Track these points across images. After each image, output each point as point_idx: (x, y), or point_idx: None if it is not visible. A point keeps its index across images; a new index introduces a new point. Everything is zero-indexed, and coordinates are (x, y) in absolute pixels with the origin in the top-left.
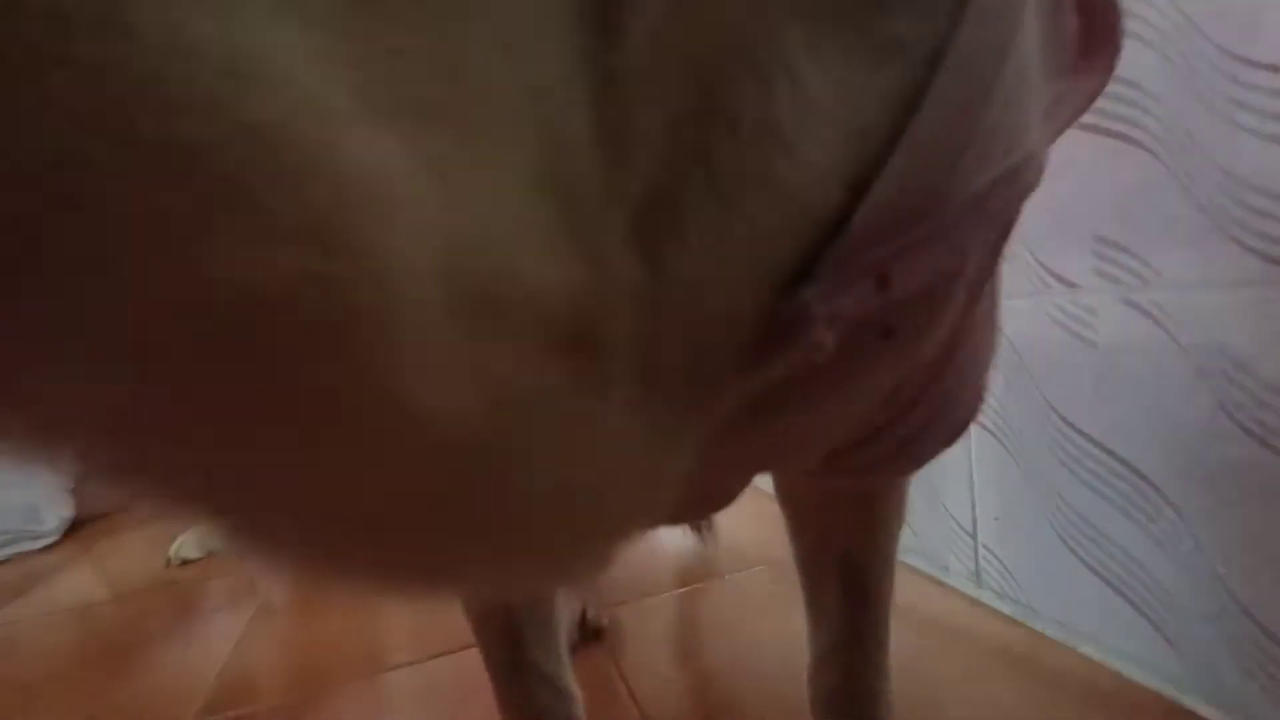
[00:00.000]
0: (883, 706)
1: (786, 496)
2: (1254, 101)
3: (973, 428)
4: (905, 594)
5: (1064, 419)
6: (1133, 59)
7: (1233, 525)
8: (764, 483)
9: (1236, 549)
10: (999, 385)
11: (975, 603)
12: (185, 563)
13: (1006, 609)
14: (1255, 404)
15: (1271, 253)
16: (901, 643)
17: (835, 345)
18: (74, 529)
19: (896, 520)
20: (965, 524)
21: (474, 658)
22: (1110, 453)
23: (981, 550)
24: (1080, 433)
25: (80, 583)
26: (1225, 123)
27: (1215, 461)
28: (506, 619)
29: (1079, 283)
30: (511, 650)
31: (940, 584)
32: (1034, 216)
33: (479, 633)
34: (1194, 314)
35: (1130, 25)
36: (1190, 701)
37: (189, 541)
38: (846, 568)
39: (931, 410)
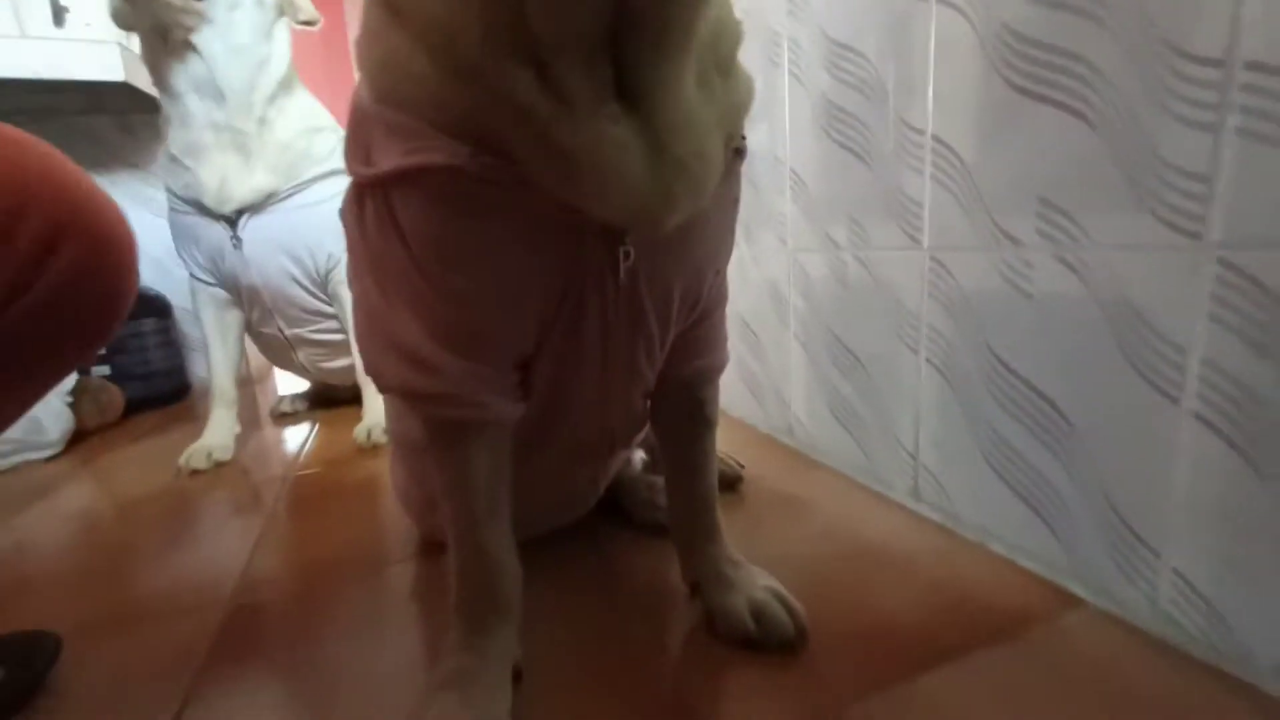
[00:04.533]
0: (716, 514)
1: (659, 390)
2: (1186, 91)
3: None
4: (852, 508)
5: (999, 360)
6: (1089, 37)
7: (1120, 449)
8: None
9: (1122, 468)
10: (950, 329)
11: (913, 514)
12: (195, 473)
13: (937, 518)
14: (1150, 351)
15: (1178, 223)
16: (848, 545)
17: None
18: (76, 441)
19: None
20: (910, 448)
21: None
22: (1033, 388)
23: (921, 470)
24: (1012, 372)
25: (85, 493)
26: (1159, 107)
27: (1114, 397)
28: (468, 495)
29: (1023, 240)
30: (475, 519)
31: (884, 499)
32: (992, 178)
33: (451, 500)
34: (1109, 271)
35: (1090, 6)
36: (1074, 588)
37: (197, 453)
38: (694, 404)
39: (712, 336)
